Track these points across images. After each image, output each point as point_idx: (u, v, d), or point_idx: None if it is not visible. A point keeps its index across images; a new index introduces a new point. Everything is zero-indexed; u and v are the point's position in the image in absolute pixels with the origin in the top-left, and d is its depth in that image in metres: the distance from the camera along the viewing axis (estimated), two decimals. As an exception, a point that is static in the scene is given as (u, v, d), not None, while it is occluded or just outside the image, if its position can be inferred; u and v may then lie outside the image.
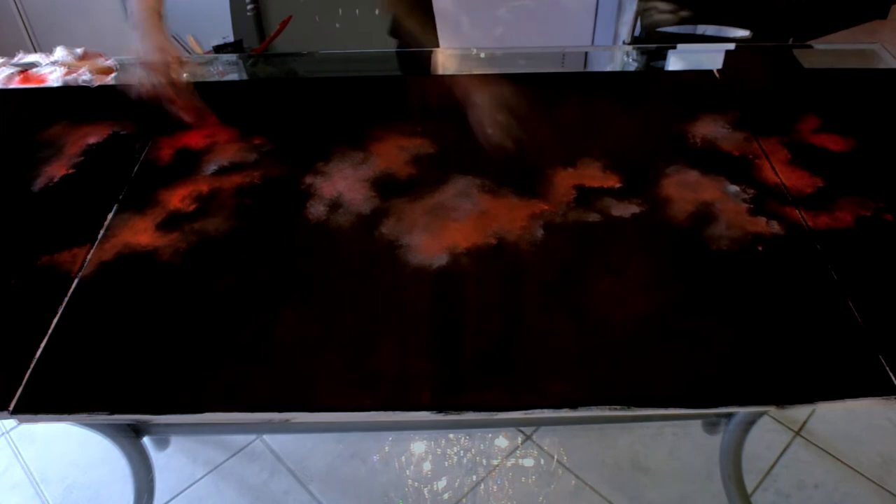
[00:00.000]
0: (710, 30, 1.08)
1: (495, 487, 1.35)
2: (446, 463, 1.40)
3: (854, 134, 0.97)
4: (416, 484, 1.36)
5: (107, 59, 1.20)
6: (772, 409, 0.70)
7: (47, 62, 1.18)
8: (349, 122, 1.01)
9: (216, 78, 1.20)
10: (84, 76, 1.14)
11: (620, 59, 1.25)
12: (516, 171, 0.91)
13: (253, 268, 0.78)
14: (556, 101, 1.06)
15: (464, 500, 1.33)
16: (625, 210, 0.84)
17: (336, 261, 0.79)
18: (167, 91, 0.96)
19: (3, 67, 1.18)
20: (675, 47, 1.16)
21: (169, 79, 0.95)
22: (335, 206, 0.86)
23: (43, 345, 0.70)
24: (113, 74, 1.18)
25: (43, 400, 0.65)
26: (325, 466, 1.41)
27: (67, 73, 1.14)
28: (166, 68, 0.95)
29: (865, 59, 1.23)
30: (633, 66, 1.21)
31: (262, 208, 0.86)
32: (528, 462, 1.40)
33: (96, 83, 1.14)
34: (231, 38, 2.15)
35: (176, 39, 1.75)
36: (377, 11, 1.19)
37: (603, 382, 0.65)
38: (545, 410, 0.63)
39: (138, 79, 0.97)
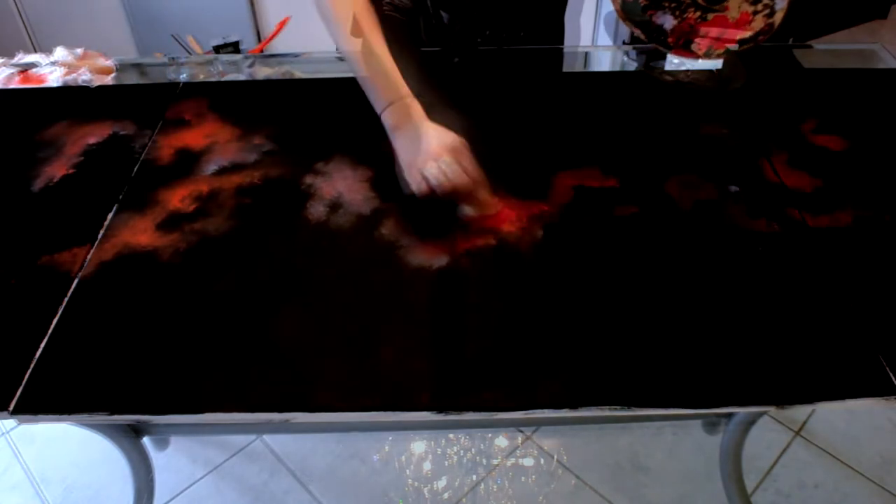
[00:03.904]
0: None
1: (495, 487, 1.35)
2: (446, 463, 1.40)
3: (854, 134, 0.97)
4: (416, 484, 1.36)
5: (107, 59, 1.20)
6: (772, 409, 0.70)
7: (47, 62, 1.18)
8: (349, 123, 1.01)
9: (216, 78, 1.20)
10: (84, 76, 1.14)
11: (620, 59, 1.25)
12: (516, 172, 0.91)
13: (253, 268, 0.78)
14: (555, 102, 1.06)
15: (464, 499, 1.33)
16: (624, 210, 0.84)
17: (336, 261, 0.79)
18: (464, 181, 0.80)
19: (3, 67, 1.18)
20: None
21: (468, 167, 0.80)
22: (335, 206, 0.86)
23: (43, 345, 0.70)
24: (113, 74, 1.18)
25: (43, 400, 0.65)
26: (325, 466, 1.41)
27: (67, 73, 1.14)
28: (465, 156, 0.81)
29: (865, 59, 1.23)
30: (632, 66, 1.21)
31: (262, 208, 0.86)
32: (528, 462, 1.40)
33: (96, 83, 1.14)
34: (231, 38, 2.14)
35: (176, 39, 1.75)
36: None
37: (603, 382, 0.65)
38: (545, 410, 0.63)
39: (419, 174, 0.80)
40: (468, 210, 0.82)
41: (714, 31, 1.04)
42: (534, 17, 1.17)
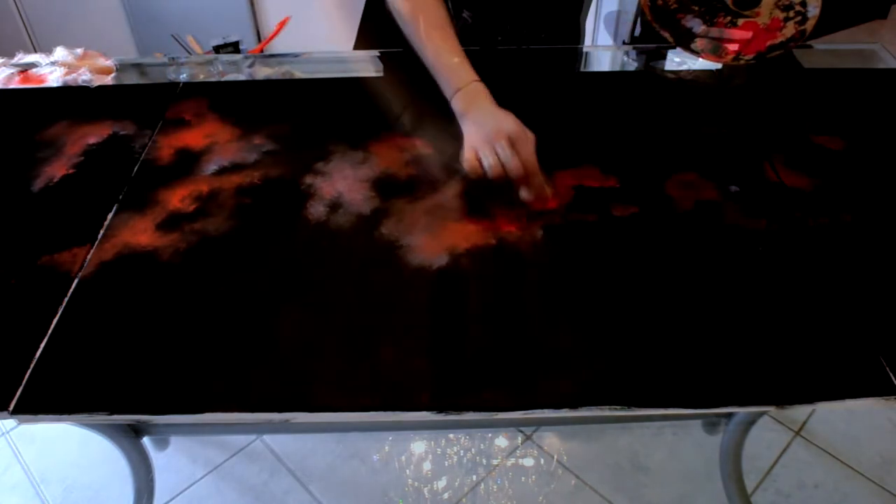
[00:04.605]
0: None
1: (495, 487, 1.35)
2: (446, 463, 1.40)
3: (854, 134, 0.97)
4: (416, 484, 1.36)
5: (107, 59, 1.20)
6: (772, 409, 0.70)
7: (47, 62, 1.17)
8: (349, 123, 1.01)
9: (216, 78, 1.20)
10: (84, 76, 1.14)
11: (620, 59, 1.25)
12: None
13: (253, 268, 0.78)
14: (555, 101, 1.06)
15: (464, 499, 1.33)
16: (624, 210, 0.84)
17: (336, 261, 0.79)
18: (516, 167, 0.81)
19: (3, 67, 1.18)
20: (675, 47, 1.16)
21: (524, 155, 0.82)
22: (335, 206, 0.86)
23: (43, 345, 0.70)
24: (113, 74, 1.18)
25: (43, 400, 0.65)
26: (325, 466, 1.41)
27: (67, 73, 1.14)
28: (524, 143, 0.82)
29: (865, 59, 1.23)
30: (633, 66, 1.21)
31: (262, 208, 0.86)
32: (528, 462, 1.40)
33: (96, 83, 1.14)
34: (231, 38, 2.14)
35: (176, 39, 1.75)
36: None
37: (603, 382, 0.65)
38: (545, 410, 0.63)
39: (475, 157, 0.82)
40: (521, 194, 0.83)
41: (737, 35, 1.04)
42: (554, 17, 1.17)
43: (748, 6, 1.05)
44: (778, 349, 0.68)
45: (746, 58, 1.08)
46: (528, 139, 0.83)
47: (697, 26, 1.06)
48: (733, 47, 1.05)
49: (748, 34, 1.04)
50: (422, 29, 0.93)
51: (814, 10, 1.03)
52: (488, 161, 0.82)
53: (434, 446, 1.43)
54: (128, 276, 0.77)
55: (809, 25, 1.03)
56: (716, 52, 1.05)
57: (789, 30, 1.04)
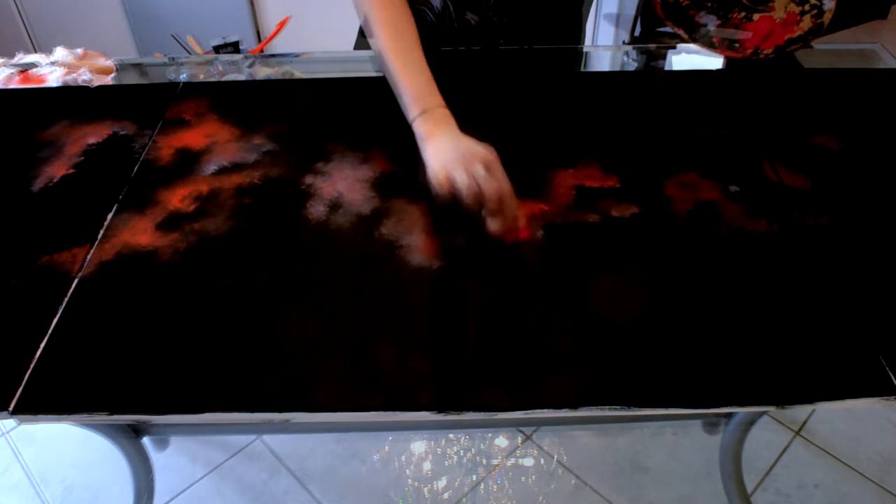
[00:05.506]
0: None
1: (495, 487, 1.35)
2: (446, 463, 1.40)
3: (854, 134, 0.97)
4: (416, 484, 1.36)
5: (107, 59, 1.20)
6: (772, 409, 0.70)
7: (47, 62, 1.18)
8: (349, 123, 1.01)
9: (216, 78, 1.20)
10: (84, 76, 1.14)
11: (620, 59, 1.25)
12: (516, 171, 0.90)
13: (253, 268, 0.78)
14: (555, 101, 1.06)
15: (464, 499, 1.33)
16: (624, 210, 0.85)
17: (336, 261, 0.79)
18: (494, 191, 0.76)
19: (3, 67, 1.18)
20: (675, 47, 1.16)
21: (499, 179, 0.77)
22: (335, 206, 0.86)
23: (43, 345, 0.70)
24: (113, 74, 1.18)
25: (43, 400, 0.65)
26: (325, 466, 1.41)
27: (67, 73, 1.14)
28: (497, 168, 0.78)
29: (865, 59, 1.23)
30: (633, 66, 1.21)
31: (262, 208, 0.86)
32: (528, 462, 1.40)
33: (96, 83, 1.14)
34: (231, 38, 2.14)
35: (176, 39, 1.75)
36: None
37: (603, 382, 0.65)
38: (545, 410, 0.63)
39: (448, 182, 0.77)
40: (492, 224, 0.78)
41: (751, 31, 1.03)
42: (556, 18, 1.17)
43: (762, 0, 1.04)
44: (778, 349, 0.68)
45: (765, 52, 1.08)
46: (499, 165, 0.78)
47: (712, 22, 1.06)
48: (751, 42, 1.05)
49: (765, 29, 1.03)
50: (386, 34, 0.88)
51: (829, 3, 1.03)
52: (464, 181, 0.76)
53: (434, 446, 1.43)
54: (128, 276, 0.77)
55: (826, 19, 1.02)
56: (732, 47, 1.05)
57: (806, 23, 1.03)
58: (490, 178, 0.76)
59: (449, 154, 0.79)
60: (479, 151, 0.79)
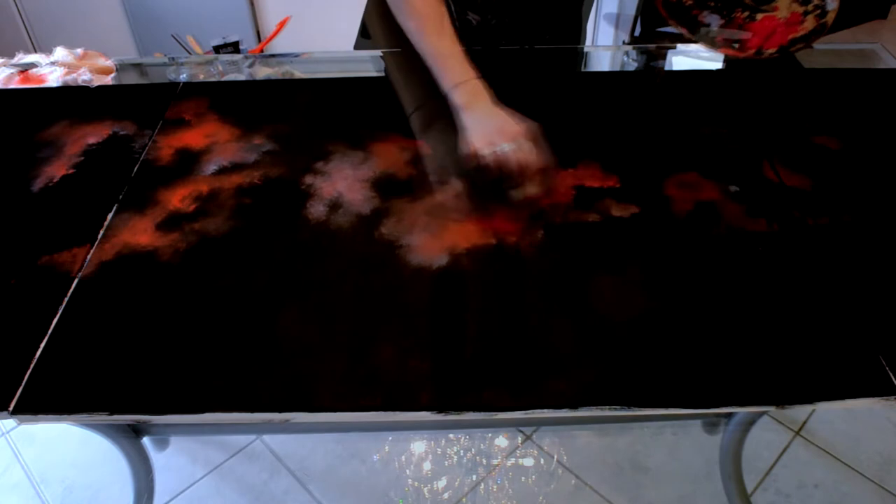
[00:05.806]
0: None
1: (495, 487, 1.35)
2: (446, 463, 1.40)
3: (853, 134, 0.97)
4: (416, 484, 1.36)
5: (107, 59, 1.20)
6: (772, 409, 0.70)
7: (47, 62, 1.18)
8: (349, 123, 1.01)
9: (216, 78, 1.20)
10: (84, 76, 1.14)
11: (620, 59, 1.25)
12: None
13: (253, 268, 0.78)
14: (555, 101, 1.06)
15: (464, 499, 1.33)
16: (624, 210, 0.84)
17: (336, 261, 0.79)
18: (540, 163, 0.82)
19: (3, 67, 1.18)
20: (675, 47, 1.16)
21: (540, 150, 0.83)
22: (335, 206, 0.86)
23: (43, 345, 0.70)
24: (113, 74, 1.18)
25: (43, 400, 0.65)
26: (325, 466, 1.41)
27: (67, 73, 1.14)
28: (540, 141, 0.83)
29: (865, 59, 1.23)
30: (633, 66, 1.21)
31: (262, 208, 0.86)
32: (528, 462, 1.40)
33: (96, 83, 1.14)
34: (231, 38, 2.14)
35: (176, 39, 1.75)
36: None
37: (603, 382, 0.65)
38: (545, 410, 0.63)
39: (492, 151, 0.81)
40: (531, 189, 0.83)
41: (753, 31, 1.03)
42: (558, 18, 1.17)
43: (766, 0, 1.04)
44: (778, 349, 0.68)
45: (769, 51, 1.08)
46: (541, 137, 0.83)
47: (715, 21, 1.05)
48: (754, 41, 1.04)
49: (768, 29, 1.02)
50: (423, 23, 0.92)
51: (833, 3, 1.03)
52: (514, 155, 0.80)
53: (434, 446, 1.43)
54: (128, 276, 0.77)
55: (830, 18, 1.02)
56: (735, 46, 1.05)
57: (809, 23, 1.03)
58: (535, 151, 0.81)
59: (490, 126, 0.83)
60: (522, 125, 0.83)
